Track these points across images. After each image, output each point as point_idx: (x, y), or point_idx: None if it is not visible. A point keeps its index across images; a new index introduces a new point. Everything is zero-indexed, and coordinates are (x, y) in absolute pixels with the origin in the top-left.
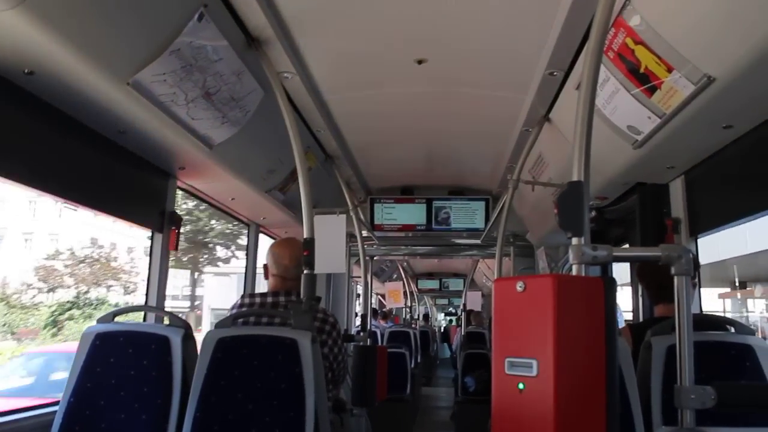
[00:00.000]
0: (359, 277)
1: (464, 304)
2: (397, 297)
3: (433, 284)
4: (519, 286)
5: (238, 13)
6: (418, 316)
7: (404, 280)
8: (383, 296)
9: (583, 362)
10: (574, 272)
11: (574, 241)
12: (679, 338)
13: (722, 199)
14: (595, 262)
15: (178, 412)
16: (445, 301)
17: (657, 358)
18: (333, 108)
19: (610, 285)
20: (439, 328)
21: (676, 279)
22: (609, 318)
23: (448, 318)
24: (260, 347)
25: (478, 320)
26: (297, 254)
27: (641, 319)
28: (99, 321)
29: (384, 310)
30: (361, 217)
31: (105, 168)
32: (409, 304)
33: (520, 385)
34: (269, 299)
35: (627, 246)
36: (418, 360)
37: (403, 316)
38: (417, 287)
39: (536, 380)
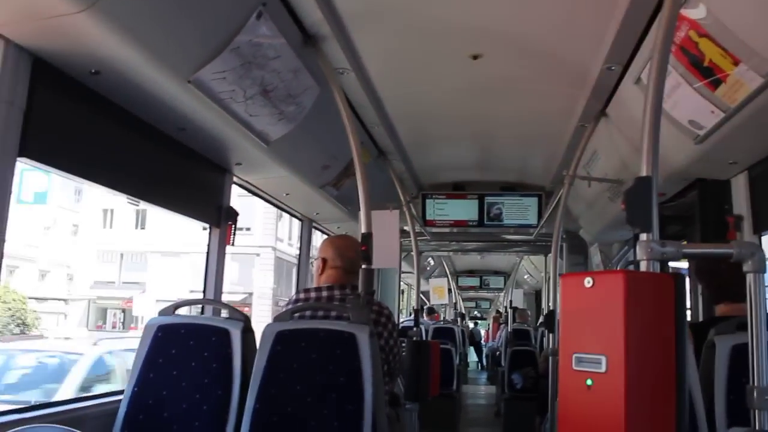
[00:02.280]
0: (406, 272)
1: (510, 301)
2: (441, 293)
3: (474, 281)
4: (587, 282)
5: (295, 11)
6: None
7: (448, 276)
8: (425, 294)
9: (653, 359)
10: (642, 268)
11: (643, 236)
12: (752, 337)
13: None
14: (664, 258)
15: (238, 404)
16: (472, 304)
17: (721, 357)
18: (387, 104)
19: (680, 281)
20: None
21: (748, 276)
22: (679, 314)
23: (473, 322)
24: (319, 341)
25: (523, 317)
26: (359, 248)
27: (700, 319)
28: (160, 313)
29: (428, 307)
30: (413, 212)
31: (165, 164)
32: (454, 300)
33: (588, 381)
34: (324, 293)
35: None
36: (463, 357)
37: (445, 314)
38: (457, 285)
39: (605, 376)
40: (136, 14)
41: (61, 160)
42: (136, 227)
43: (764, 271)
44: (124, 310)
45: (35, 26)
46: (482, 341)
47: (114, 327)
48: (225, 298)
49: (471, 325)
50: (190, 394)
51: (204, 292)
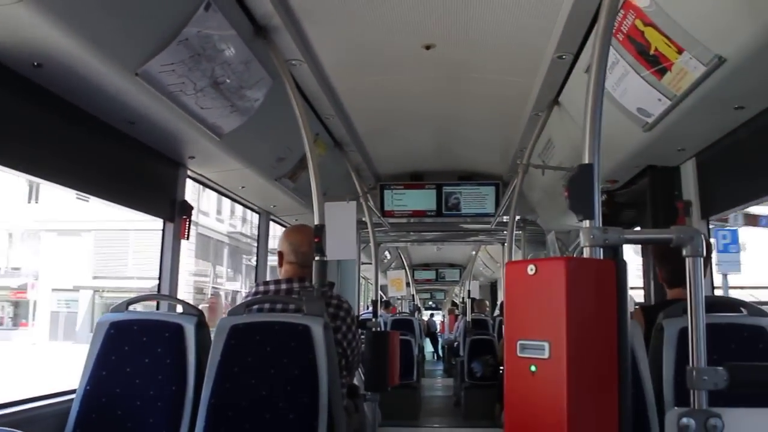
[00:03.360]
0: (365, 263)
1: (469, 291)
2: (399, 286)
3: (429, 275)
4: (530, 270)
5: (244, 1)
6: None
7: (406, 269)
8: (383, 286)
9: (595, 344)
10: (585, 255)
11: (585, 223)
12: (692, 319)
13: (734, 180)
14: (606, 245)
15: (193, 399)
16: (426, 295)
17: (669, 340)
18: (341, 95)
19: (622, 267)
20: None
21: (687, 261)
22: (621, 300)
23: (429, 312)
24: (273, 334)
25: (481, 308)
26: (310, 242)
27: (653, 302)
28: (113, 310)
29: (384, 300)
30: (371, 203)
31: (115, 158)
32: (411, 293)
33: (532, 368)
34: (283, 286)
35: (638, 228)
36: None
37: (404, 306)
38: (413, 278)
39: (548, 362)
40: (79, 5)
41: (6, 156)
42: (29, 201)
43: (702, 255)
44: (16, 303)
45: None
46: (437, 332)
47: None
48: (132, 285)
49: (426, 315)
50: (144, 391)
51: (159, 287)
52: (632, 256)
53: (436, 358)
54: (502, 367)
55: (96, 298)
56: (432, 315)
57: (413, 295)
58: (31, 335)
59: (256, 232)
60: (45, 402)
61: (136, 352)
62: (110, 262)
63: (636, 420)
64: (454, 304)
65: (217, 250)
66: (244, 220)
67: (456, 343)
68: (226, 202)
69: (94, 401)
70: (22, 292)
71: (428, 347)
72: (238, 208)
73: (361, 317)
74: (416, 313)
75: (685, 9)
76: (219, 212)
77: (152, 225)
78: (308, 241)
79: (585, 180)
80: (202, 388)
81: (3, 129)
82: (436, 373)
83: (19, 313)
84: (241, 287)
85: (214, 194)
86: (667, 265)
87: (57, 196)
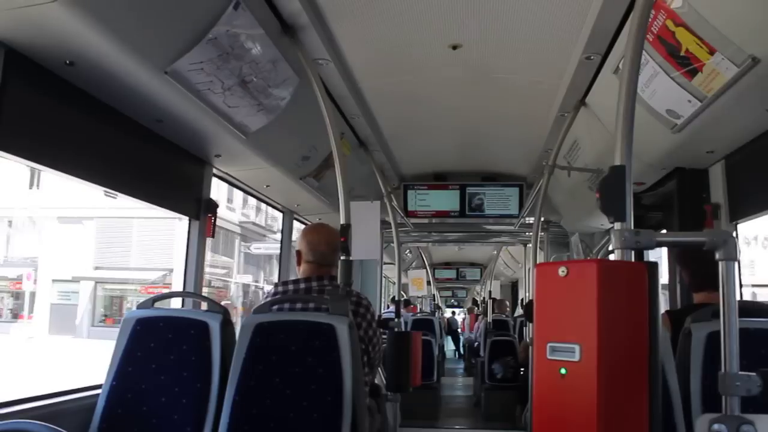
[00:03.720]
0: (387, 263)
1: (489, 291)
2: (420, 285)
3: (450, 274)
4: (561, 271)
5: (273, 1)
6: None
7: (426, 268)
8: (403, 285)
9: (626, 347)
10: (616, 257)
11: (617, 226)
12: (724, 324)
13: (764, 184)
14: (638, 247)
15: (218, 396)
16: (448, 293)
17: (697, 344)
18: (367, 94)
19: (653, 270)
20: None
21: (720, 264)
22: (652, 303)
23: (451, 311)
24: (298, 333)
25: (501, 308)
26: (332, 240)
27: (679, 306)
28: (139, 306)
29: (406, 298)
30: (395, 203)
31: (143, 156)
32: (432, 292)
33: (562, 370)
34: (302, 285)
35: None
36: (440, 348)
37: (423, 306)
38: (434, 277)
39: (579, 365)
40: (111, 4)
41: (36, 152)
42: (31, 186)
43: (735, 259)
44: (17, 294)
45: (7, 16)
46: (459, 330)
47: None
48: (134, 275)
49: (448, 313)
50: (169, 388)
51: (184, 284)
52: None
53: (457, 356)
54: (522, 369)
55: (99, 290)
56: (454, 313)
57: (434, 295)
58: (29, 328)
59: (266, 223)
60: (71, 396)
61: (161, 349)
62: (112, 251)
63: (663, 424)
64: (474, 302)
65: (230, 241)
66: (258, 209)
67: (476, 343)
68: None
69: (120, 396)
70: (20, 283)
71: (450, 345)
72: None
73: (382, 316)
74: (437, 312)
75: (718, 9)
76: (230, 201)
77: (156, 213)
78: (326, 241)
79: (617, 182)
80: (226, 385)
81: (35, 127)
82: (457, 372)
83: (19, 304)
84: (259, 281)
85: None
86: (694, 269)
87: (58, 183)
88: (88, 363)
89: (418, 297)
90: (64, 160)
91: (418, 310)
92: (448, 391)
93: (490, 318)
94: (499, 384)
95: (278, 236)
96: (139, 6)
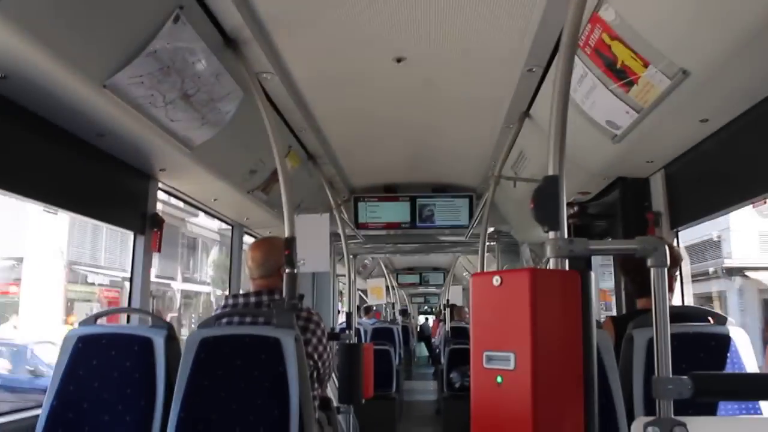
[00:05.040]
0: (343, 275)
1: (447, 299)
2: (379, 293)
3: (414, 279)
4: (495, 281)
5: (214, 13)
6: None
7: (386, 276)
8: (364, 292)
9: (561, 355)
10: (551, 266)
11: (551, 235)
12: (656, 329)
13: (701, 192)
14: (571, 255)
15: (162, 413)
16: (421, 299)
17: (638, 350)
18: (313, 107)
19: (587, 278)
20: (416, 326)
21: (652, 271)
22: (586, 310)
23: (424, 317)
24: (243, 346)
25: (460, 315)
26: (264, 255)
27: (624, 312)
28: (81, 324)
29: (366, 306)
30: (345, 216)
31: (85, 171)
32: (392, 299)
33: (498, 379)
34: (252, 299)
35: (607, 239)
36: (402, 357)
37: (384, 313)
38: (397, 282)
39: (514, 373)
40: (43, 16)
41: None
42: None
43: (666, 266)
44: None
45: None
46: (432, 336)
47: None
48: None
49: (422, 319)
50: (113, 406)
51: (129, 300)
52: None
53: (430, 362)
54: None
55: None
56: (427, 319)
57: (392, 304)
58: None
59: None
60: (9, 418)
61: (104, 366)
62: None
63: (606, 430)
64: (440, 308)
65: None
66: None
67: (437, 350)
68: None
69: (61, 417)
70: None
71: (424, 351)
72: None
73: (339, 328)
74: (403, 319)
75: (650, 23)
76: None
77: None
78: (271, 254)
79: (550, 191)
80: (171, 402)
81: None
82: (428, 377)
83: None
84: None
85: None
86: (634, 276)
87: None
88: None
89: (383, 304)
90: (2, 176)
91: (381, 317)
92: (416, 396)
93: (448, 326)
94: (457, 393)
95: None
96: (74, 19)
